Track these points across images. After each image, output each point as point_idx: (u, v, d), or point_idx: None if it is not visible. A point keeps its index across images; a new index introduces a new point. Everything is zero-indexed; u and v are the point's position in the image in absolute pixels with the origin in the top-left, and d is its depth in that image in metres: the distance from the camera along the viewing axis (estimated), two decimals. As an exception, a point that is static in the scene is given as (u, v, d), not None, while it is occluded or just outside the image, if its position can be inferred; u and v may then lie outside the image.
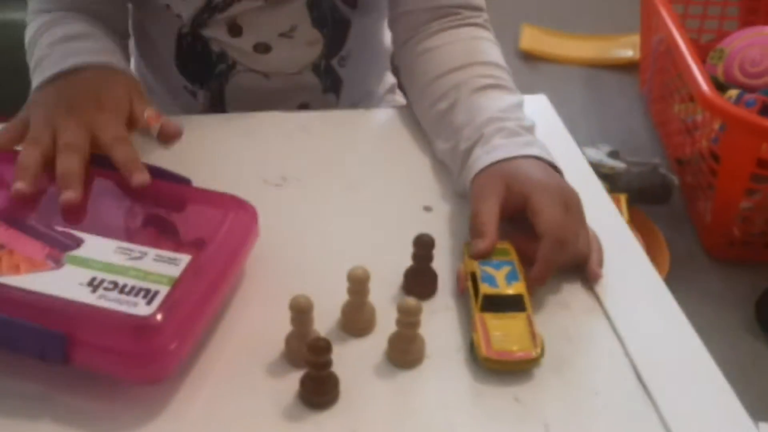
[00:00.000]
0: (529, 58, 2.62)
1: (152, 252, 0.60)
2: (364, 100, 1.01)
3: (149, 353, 0.54)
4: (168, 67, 0.93)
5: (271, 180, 0.78)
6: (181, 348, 0.56)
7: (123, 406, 0.56)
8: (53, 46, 0.79)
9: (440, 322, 0.63)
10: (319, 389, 0.56)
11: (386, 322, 0.62)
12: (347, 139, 0.85)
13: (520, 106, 0.78)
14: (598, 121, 2.35)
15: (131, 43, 0.95)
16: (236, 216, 0.65)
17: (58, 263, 0.58)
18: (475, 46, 0.82)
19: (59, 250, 0.59)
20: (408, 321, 0.58)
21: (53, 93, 0.74)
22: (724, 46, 2.02)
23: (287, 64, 0.90)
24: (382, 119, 0.90)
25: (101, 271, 0.58)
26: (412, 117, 0.88)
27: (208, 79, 0.92)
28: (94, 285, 0.56)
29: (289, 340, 0.59)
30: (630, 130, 2.28)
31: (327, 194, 0.77)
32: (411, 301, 0.57)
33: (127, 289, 0.56)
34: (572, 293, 0.67)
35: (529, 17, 2.77)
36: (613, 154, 1.98)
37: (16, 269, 0.58)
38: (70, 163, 0.66)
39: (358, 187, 0.78)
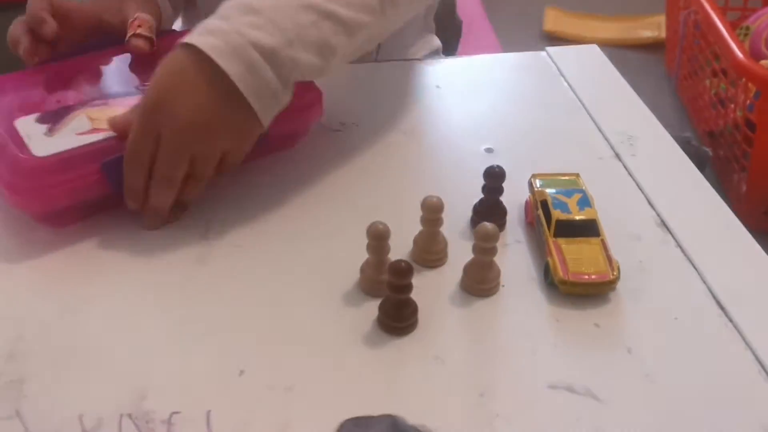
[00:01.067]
0: (553, 39, 2.61)
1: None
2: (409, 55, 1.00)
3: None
4: None
5: (329, 125, 0.77)
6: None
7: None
8: None
9: (512, 254, 0.63)
10: (399, 314, 0.56)
11: (458, 256, 0.61)
12: (401, 89, 0.85)
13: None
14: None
15: None
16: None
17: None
18: None
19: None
20: (485, 246, 0.57)
21: None
22: (750, 23, 2.01)
23: None
24: (435, 69, 0.89)
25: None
26: (465, 67, 0.88)
27: None
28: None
29: (365, 268, 0.59)
30: (657, 108, 2.26)
31: (387, 139, 0.77)
32: (488, 225, 0.57)
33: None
34: (643, 226, 0.66)
35: (553, 1, 2.76)
36: None
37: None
38: None
39: (416, 133, 0.78)
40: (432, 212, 0.60)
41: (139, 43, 0.73)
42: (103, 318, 0.57)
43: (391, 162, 0.73)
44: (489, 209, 0.65)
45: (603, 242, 0.60)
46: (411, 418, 0.49)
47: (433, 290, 0.59)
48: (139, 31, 0.73)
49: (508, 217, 0.66)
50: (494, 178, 0.63)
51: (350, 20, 0.63)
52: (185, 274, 0.61)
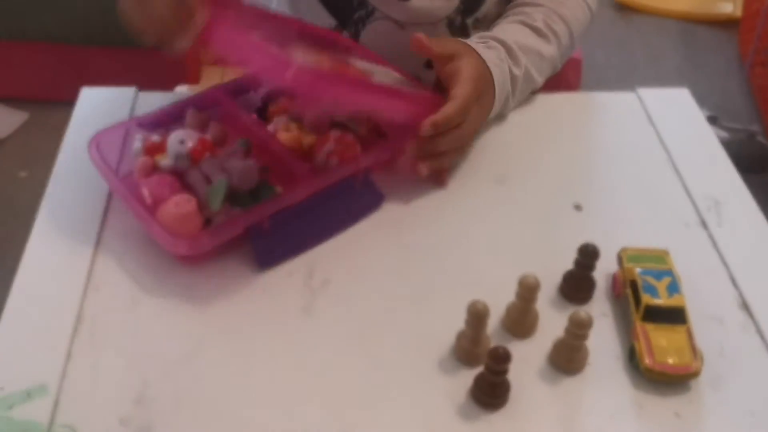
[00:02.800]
0: (625, 9, 2.56)
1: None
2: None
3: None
4: (316, 8, 0.95)
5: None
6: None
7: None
8: None
9: (598, 327, 0.66)
10: (493, 392, 0.60)
11: (546, 324, 0.65)
12: (493, 128, 0.87)
13: (540, 56, 0.86)
14: (693, 81, 2.29)
15: None
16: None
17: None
18: (566, 2, 0.90)
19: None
20: (579, 333, 0.61)
21: None
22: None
23: (425, 13, 0.92)
24: (527, 106, 0.91)
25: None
26: (557, 104, 0.90)
27: (348, 24, 0.95)
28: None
29: (461, 340, 0.63)
30: (726, 93, 2.23)
31: (476, 188, 0.79)
32: (583, 314, 0.60)
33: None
34: (725, 308, 0.69)
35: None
36: (712, 120, 1.95)
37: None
38: None
39: (506, 181, 0.80)
40: (528, 291, 0.63)
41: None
42: (218, 365, 0.62)
43: (486, 218, 0.77)
44: (579, 282, 0.68)
45: (689, 330, 0.63)
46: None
47: (523, 362, 0.63)
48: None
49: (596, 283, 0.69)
50: (588, 257, 0.66)
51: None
52: (291, 324, 0.66)
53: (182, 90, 1.32)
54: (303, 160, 0.73)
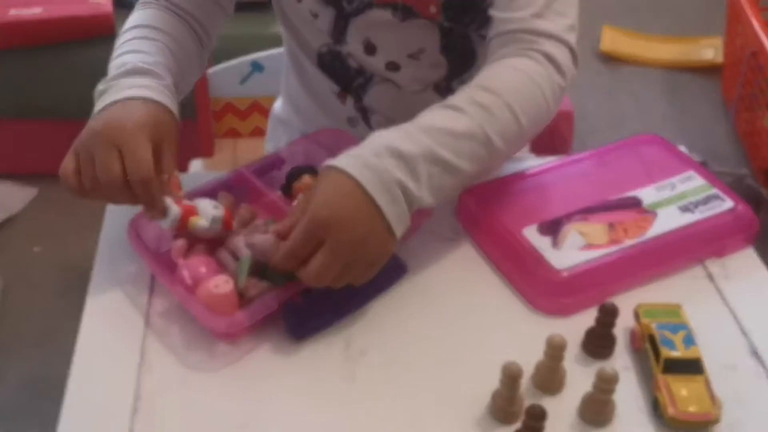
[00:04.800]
0: (610, 59, 2.65)
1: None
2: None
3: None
4: (317, 78, 1.01)
5: (442, 232, 0.86)
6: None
7: None
8: (114, 80, 0.80)
9: (622, 380, 0.70)
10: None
11: (572, 378, 0.70)
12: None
13: (451, 133, 0.74)
14: (680, 126, 2.38)
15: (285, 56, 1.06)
16: None
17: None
18: (500, 75, 0.80)
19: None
20: (606, 388, 0.65)
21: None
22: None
23: (413, 82, 0.98)
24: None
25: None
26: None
27: (350, 89, 1.01)
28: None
29: (497, 399, 0.67)
30: (714, 137, 2.31)
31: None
32: (610, 370, 0.65)
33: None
34: (737, 356, 0.73)
35: (610, 18, 2.79)
36: (703, 165, 2.01)
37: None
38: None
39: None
40: (556, 350, 0.68)
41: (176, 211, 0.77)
42: (268, 435, 0.66)
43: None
44: (601, 339, 0.73)
45: (706, 380, 0.68)
46: None
47: (555, 417, 0.66)
48: (180, 193, 0.78)
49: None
50: (608, 315, 0.71)
51: (464, 171, 0.75)
52: (335, 393, 0.70)
53: (197, 163, 1.38)
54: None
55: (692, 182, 0.88)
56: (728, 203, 0.85)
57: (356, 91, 1.00)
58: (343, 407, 0.69)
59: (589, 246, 0.80)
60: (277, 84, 1.29)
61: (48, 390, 1.54)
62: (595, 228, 0.82)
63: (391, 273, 0.80)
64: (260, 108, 1.40)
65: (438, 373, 0.72)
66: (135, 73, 0.80)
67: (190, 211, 0.76)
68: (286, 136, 1.13)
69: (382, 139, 0.73)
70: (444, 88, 0.99)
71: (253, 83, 1.33)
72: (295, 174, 0.86)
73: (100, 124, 0.76)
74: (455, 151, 0.73)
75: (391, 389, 0.70)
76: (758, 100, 2.10)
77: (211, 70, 1.32)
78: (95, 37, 1.77)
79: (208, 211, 0.76)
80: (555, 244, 0.80)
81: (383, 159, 0.71)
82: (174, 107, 0.81)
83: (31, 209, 2.05)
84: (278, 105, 1.15)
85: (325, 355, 0.73)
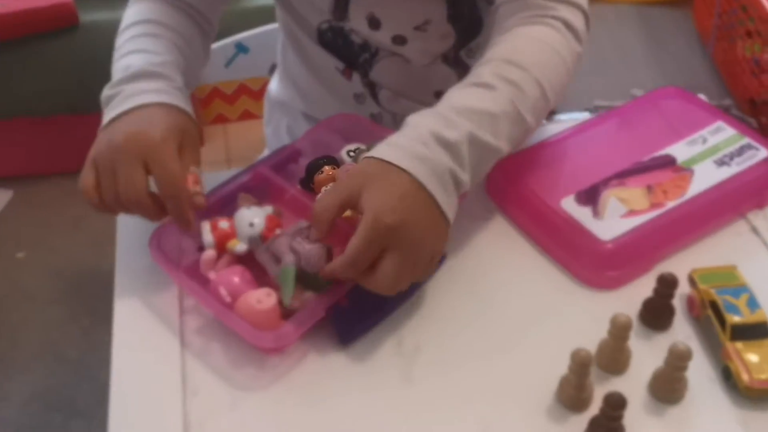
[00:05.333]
0: None
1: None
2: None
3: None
4: (319, 55, 0.96)
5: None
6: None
7: None
8: (122, 84, 0.75)
9: (685, 351, 0.68)
10: (606, 435, 0.62)
11: (633, 351, 0.67)
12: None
13: (489, 114, 0.70)
14: (658, 63, 2.35)
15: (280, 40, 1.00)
16: None
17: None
18: (525, 48, 0.76)
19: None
20: (681, 365, 0.63)
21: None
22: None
23: (421, 55, 0.93)
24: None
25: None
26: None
27: (356, 65, 0.96)
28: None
29: (566, 386, 0.65)
30: (692, 70, 2.29)
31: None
32: (683, 347, 0.62)
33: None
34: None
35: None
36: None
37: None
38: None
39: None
40: (622, 330, 0.65)
41: (200, 200, 0.73)
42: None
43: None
44: (660, 309, 0.70)
45: None
46: None
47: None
48: (197, 188, 0.73)
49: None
50: (668, 286, 0.68)
51: (502, 151, 0.72)
52: (394, 395, 0.67)
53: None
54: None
55: (722, 133, 0.85)
56: (763, 152, 0.83)
57: (362, 67, 0.95)
58: (404, 408, 0.66)
59: (631, 212, 0.77)
60: (264, 65, 1.23)
61: (56, 403, 1.50)
62: (634, 192, 0.79)
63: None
64: (248, 91, 1.34)
65: (497, 363, 0.69)
66: (144, 76, 0.75)
67: (226, 236, 0.72)
68: (287, 118, 1.07)
69: (423, 126, 0.69)
70: (452, 59, 0.94)
71: (239, 65, 1.27)
72: (315, 166, 0.82)
73: (120, 136, 0.70)
74: (494, 132, 0.70)
75: (450, 385, 0.67)
76: (736, 29, 2.07)
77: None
78: (59, 28, 1.68)
79: (244, 231, 0.72)
80: (595, 213, 0.77)
81: (432, 149, 0.67)
82: (190, 109, 0.75)
83: (8, 213, 1.96)
84: (274, 86, 1.09)
85: (378, 357, 0.69)
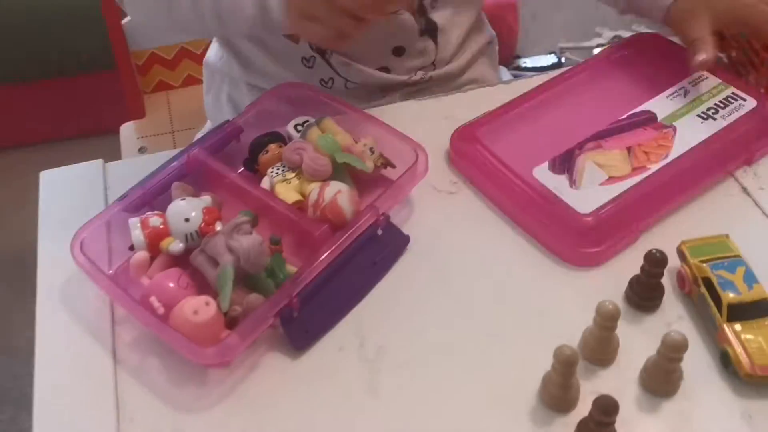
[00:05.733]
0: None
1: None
2: (464, 51, 0.95)
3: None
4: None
5: (441, 187, 0.74)
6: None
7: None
8: None
9: (678, 334, 0.62)
10: (596, 437, 0.55)
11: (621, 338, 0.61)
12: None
13: None
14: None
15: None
16: None
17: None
18: None
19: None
20: (676, 357, 0.56)
21: None
22: None
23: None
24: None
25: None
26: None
27: None
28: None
29: (550, 387, 0.57)
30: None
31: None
32: (678, 336, 0.55)
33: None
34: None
35: None
36: None
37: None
38: None
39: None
40: (609, 320, 0.58)
41: None
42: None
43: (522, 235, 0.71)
44: (648, 290, 0.63)
45: None
46: None
47: (616, 392, 0.56)
48: None
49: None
50: (657, 265, 0.61)
51: None
52: (359, 403, 0.59)
53: (129, 127, 1.21)
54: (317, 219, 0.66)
55: (705, 83, 0.78)
56: (750, 102, 0.75)
57: None
58: (371, 421, 0.58)
59: (611, 179, 0.69)
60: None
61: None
62: (613, 156, 0.71)
63: (392, 248, 0.68)
64: (190, 54, 1.24)
65: (470, 361, 0.61)
66: None
67: (159, 235, 0.64)
68: (228, 86, 0.97)
69: None
70: (417, 7, 0.86)
71: (177, 27, 1.16)
72: (259, 145, 0.73)
73: None
74: None
75: (420, 390, 0.60)
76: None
77: (126, 20, 1.14)
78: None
79: (179, 228, 0.63)
80: (572, 182, 0.69)
81: None
82: None
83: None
84: (213, 52, 0.99)
85: (338, 363, 0.61)
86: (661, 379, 0.58)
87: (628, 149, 0.72)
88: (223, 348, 0.58)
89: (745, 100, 0.75)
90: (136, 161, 0.81)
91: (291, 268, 0.64)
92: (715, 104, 0.75)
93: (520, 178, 0.70)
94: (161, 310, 0.59)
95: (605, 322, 0.58)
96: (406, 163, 0.70)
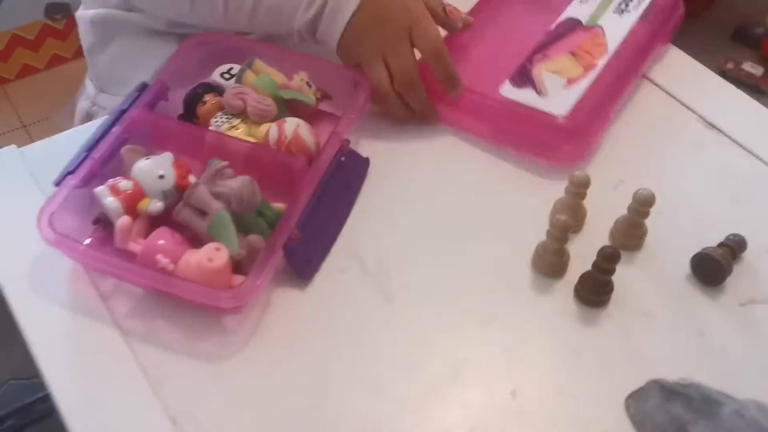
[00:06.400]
0: None
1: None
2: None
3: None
4: None
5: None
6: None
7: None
8: None
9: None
10: (597, 289, 0.62)
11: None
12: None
13: None
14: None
15: None
16: None
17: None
18: None
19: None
20: (644, 210, 0.64)
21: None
22: None
23: None
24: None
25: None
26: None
27: None
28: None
29: (543, 253, 0.64)
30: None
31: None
32: (647, 191, 0.63)
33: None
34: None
35: None
36: None
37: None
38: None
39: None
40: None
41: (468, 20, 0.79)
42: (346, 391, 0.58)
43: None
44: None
45: None
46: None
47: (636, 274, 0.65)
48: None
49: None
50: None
51: None
52: (378, 317, 0.62)
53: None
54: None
55: None
56: None
57: None
58: (393, 323, 0.62)
59: (571, 81, 0.75)
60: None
61: None
62: (562, 61, 0.77)
63: (358, 171, 0.71)
64: (53, 31, 1.13)
65: (466, 253, 0.66)
66: None
67: (134, 197, 0.61)
68: (125, 38, 0.89)
69: None
70: None
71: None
72: (194, 98, 0.72)
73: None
74: None
75: (428, 287, 0.64)
76: None
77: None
78: None
79: (154, 186, 0.61)
80: (539, 92, 0.74)
81: None
82: None
83: None
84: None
85: (346, 282, 0.64)
86: (628, 233, 0.66)
87: (572, 53, 0.78)
88: (246, 288, 0.58)
89: None
90: (57, 139, 0.75)
91: (277, 205, 0.64)
92: None
93: (492, 98, 0.73)
94: (171, 267, 0.58)
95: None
96: (341, 92, 0.73)
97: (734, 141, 0.76)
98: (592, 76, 0.75)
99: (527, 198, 0.70)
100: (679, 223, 0.69)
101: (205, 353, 0.59)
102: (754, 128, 0.77)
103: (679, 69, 0.83)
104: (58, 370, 0.58)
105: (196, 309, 0.60)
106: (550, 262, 0.64)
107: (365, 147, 0.73)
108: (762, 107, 0.80)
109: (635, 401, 0.57)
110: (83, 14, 0.92)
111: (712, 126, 0.77)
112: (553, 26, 0.81)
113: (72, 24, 1.02)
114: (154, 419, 0.55)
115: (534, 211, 0.68)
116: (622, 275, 0.63)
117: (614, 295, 0.63)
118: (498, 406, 0.57)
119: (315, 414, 0.56)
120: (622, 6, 0.82)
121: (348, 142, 0.70)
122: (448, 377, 0.58)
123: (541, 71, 0.76)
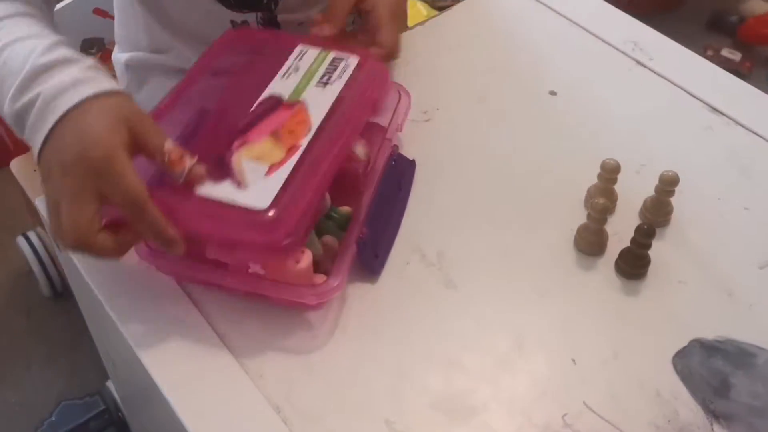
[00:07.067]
0: None
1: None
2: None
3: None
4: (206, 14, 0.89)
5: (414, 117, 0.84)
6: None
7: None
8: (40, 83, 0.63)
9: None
10: (636, 263, 0.70)
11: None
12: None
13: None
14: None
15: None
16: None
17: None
18: None
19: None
20: (670, 190, 0.72)
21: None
22: None
23: None
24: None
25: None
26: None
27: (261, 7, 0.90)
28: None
29: (584, 233, 0.71)
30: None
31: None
32: (672, 173, 0.71)
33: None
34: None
35: None
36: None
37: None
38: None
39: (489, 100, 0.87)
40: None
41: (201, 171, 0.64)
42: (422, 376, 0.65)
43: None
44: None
45: None
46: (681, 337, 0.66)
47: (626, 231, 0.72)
48: (192, 162, 0.63)
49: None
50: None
51: None
52: (444, 304, 0.69)
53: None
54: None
55: (308, 56, 0.77)
56: (353, 59, 0.76)
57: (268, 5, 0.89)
58: (459, 307, 0.69)
59: (273, 167, 0.65)
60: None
61: None
62: (263, 146, 0.67)
63: (408, 172, 0.79)
64: None
65: (514, 239, 0.74)
66: (48, 68, 0.63)
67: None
68: (157, 79, 0.96)
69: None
70: None
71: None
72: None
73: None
74: None
75: (486, 272, 0.71)
76: None
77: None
78: None
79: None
80: (238, 184, 0.64)
81: None
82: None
83: None
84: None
85: (411, 273, 0.71)
86: (659, 211, 0.74)
87: (273, 134, 0.68)
88: (330, 284, 0.65)
89: (347, 58, 0.76)
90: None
91: (342, 208, 0.71)
92: (326, 70, 0.75)
93: (187, 199, 0.63)
94: (261, 271, 0.64)
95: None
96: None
97: (738, 123, 0.84)
98: (296, 157, 0.66)
99: (563, 188, 0.77)
100: (698, 199, 0.77)
101: (294, 347, 0.65)
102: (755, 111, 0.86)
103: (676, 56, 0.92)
104: (169, 375, 0.64)
105: (279, 308, 0.67)
106: (591, 241, 0.71)
107: (408, 151, 0.80)
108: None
109: (681, 359, 0.65)
110: (118, 57, 1.00)
111: (716, 110, 0.85)
112: (253, 106, 0.71)
113: (106, 57, 1.08)
114: (261, 410, 0.62)
115: (570, 199, 0.76)
116: (656, 249, 0.70)
117: (651, 267, 0.70)
118: (562, 373, 0.64)
119: (399, 392, 0.63)
120: (325, 78, 0.74)
121: (396, 147, 0.77)
122: (514, 350, 0.66)
123: (240, 159, 0.66)
